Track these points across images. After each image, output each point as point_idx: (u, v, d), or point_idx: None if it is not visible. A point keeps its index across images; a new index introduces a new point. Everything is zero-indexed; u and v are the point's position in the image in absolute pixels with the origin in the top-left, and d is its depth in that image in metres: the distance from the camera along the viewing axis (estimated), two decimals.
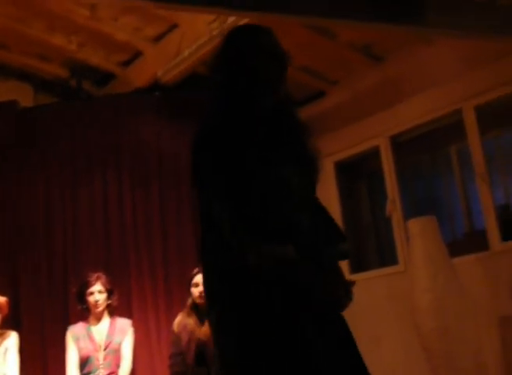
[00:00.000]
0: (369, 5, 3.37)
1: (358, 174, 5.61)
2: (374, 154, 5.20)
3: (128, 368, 3.92)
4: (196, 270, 3.90)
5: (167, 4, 3.35)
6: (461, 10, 3.51)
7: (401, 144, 5.05)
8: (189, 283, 3.89)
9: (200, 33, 4.39)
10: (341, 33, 4.64)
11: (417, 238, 3.86)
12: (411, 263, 4.00)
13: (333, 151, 5.38)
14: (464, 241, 4.79)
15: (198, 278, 3.83)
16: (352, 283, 1.71)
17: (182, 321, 3.88)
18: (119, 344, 3.95)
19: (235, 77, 1.76)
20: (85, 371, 3.86)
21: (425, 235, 3.78)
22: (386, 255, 5.34)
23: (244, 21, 3.62)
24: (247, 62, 1.77)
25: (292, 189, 1.75)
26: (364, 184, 5.61)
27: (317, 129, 5.42)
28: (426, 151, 5.17)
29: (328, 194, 5.46)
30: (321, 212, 1.88)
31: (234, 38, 1.83)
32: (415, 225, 3.89)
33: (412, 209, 5.04)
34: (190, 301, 3.89)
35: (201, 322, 3.78)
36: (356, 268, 5.33)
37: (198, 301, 3.81)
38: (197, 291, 3.82)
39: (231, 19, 3.92)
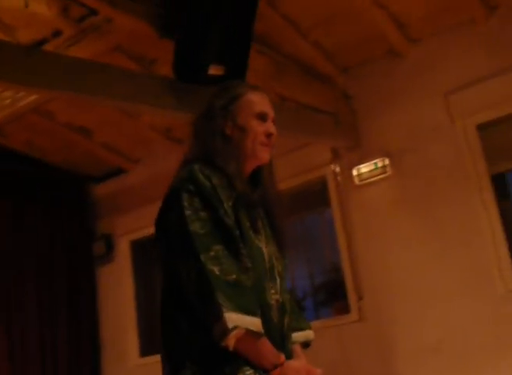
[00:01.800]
0: (171, 96, 3.48)
1: (154, 254, 5.58)
2: None
3: None
4: None
5: None
6: None
7: None
8: None
9: None
10: (143, 114, 4.71)
11: None
12: None
13: (130, 229, 5.32)
14: None
15: None
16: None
17: None
18: None
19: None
20: None
21: None
22: None
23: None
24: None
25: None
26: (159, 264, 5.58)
27: (114, 206, 5.44)
28: None
29: (123, 272, 5.36)
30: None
31: None
32: None
33: None
34: None
35: None
36: (147, 350, 5.21)
37: None
38: None
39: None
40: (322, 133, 4.30)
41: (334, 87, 4.46)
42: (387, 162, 4.15)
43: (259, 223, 1.75)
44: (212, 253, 1.54)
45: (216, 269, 1.52)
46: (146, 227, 5.27)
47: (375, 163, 4.18)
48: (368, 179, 4.22)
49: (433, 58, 4.15)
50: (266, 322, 1.57)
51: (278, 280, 1.73)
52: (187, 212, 1.58)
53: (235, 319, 1.47)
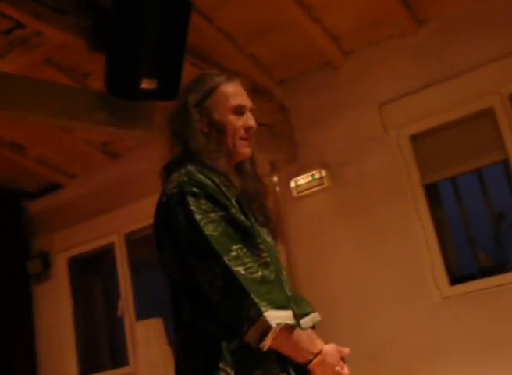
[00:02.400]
0: (105, 111, 3.40)
1: (93, 271, 5.46)
2: (109, 251, 5.12)
3: None
4: None
5: None
6: None
7: (136, 242, 5.06)
8: None
9: None
10: (78, 129, 4.60)
11: (142, 341, 3.82)
12: (137, 367, 3.92)
13: (67, 246, 5.20)
14: None
15: None
16: None
17: None
18: None
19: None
20: None
21: (150, 338, 3.76)
22: (120, 356, 5.18)
23: None
24: None
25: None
26: (99, 282, 5.47)
27: (51, 223, 5.29)
28: None
29: (60, 290, 5.21)
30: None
31: None
32: (141, 327, 3.86)
33: (146, 309, 5.02)
34: None
35: None
36: (87, 369, 5.09)
37: None
38: None
39: None
40: (259, 146, 4.29)
41: (271, 100, 4.47)
42: (324, 173, 4.18)
43: (261, 217, 1.71)
44: (233, 253, 1.49)
45: (241, 269, 1.47)
46: (83, 243, 5.17)
47: (312, 175, 4.20)
48: (305, 191, 4.24)
49: (367, 70, 4.21)
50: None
51: (284, 272, 1.70)
52: (198, 216, 1.52)
53: (274, 316, 1.43)
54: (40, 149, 4.97)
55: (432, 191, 4.03)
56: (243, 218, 1.56)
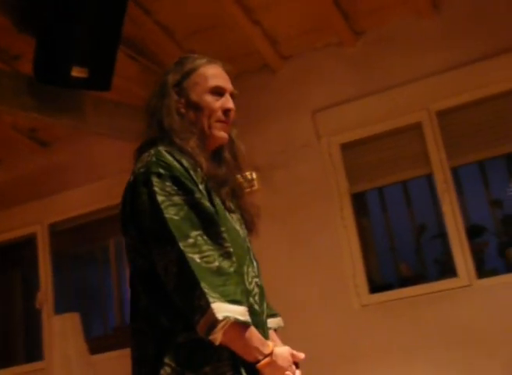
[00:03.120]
0: (32, 97, 3.29)
1: (13, 261, 5.28)
2: (31, 241, 4.96)
3: None
4: None
5: None
6: (118, 114, 3.65)
7: (60, 234, 4.92)
8: None
9: None
10: (4, 113, 4.43)
11: (58, 335, 3.71)
12: (50, 362, 3.81)
13: None
14: (114, 336, 4.77)
15: None
16: None
17: None
18: None
19: None
20: None
21: (66, 333, 3.66)
22: (36, 350, 5.02)
23: None
24: None
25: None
26: (18, 272, 5.28)
27: None
28: (85, 241, 5.12)
29: None
30: None
31: None
32: (57, 322, 3.75)
33: (67, 302, 4.89)
34: None
35: None
36: (1, 363, 4.91)
37: None
38: None
39: None
40: None
41: None
42: (255, 175, 4.18)
43: (230, 203, 1.65)
44: (191, 240, 1.43)
45: (197, 257, 1.41)
46: (4, 232, 4.99)
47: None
48: None
49: (303, 76, 4.24)
50: (248, 308, 1.47)
51: (255, 263, 1.65)
52: (160, 198, 1.47)
53: (223, 309, 1.38)
54: None
55: (359, 200, 4.10)
56: (207, 204, 1.50)
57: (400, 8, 3.93)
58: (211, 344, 1.41)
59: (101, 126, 3.64)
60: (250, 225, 1.73)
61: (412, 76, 3.86)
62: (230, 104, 1.70)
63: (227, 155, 1.73)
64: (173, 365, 1.45)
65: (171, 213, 1.45)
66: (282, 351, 1.52)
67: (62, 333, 3.69)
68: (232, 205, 1.67)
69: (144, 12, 3.78)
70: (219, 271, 1.43)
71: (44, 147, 4.90)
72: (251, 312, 1.50)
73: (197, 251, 1.43)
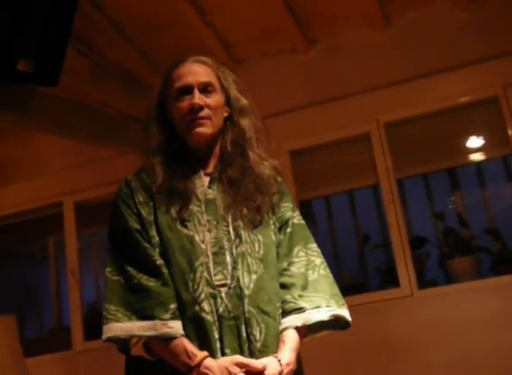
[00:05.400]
0: None
1: None
2: None
3: None
4: None
5: None
6: (64, 111, 3.55)
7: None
8: None
9: None
10: None
11: None
12: None
13: None
14: (50, 338, 4.63)
15: None
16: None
17: None
18: None
19: None
20: None
21: (0, 336, 3.51)
22: None
23: None
24: None
25: None
26: None
27: None
28: (24, 240, 4.97)
29: None
30: None
31: None
32: None
33: (2, 302, 4.71)
34: None
35: None
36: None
37: None
38: None
39: None
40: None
41: None
42: None
43: (193, 209, 1.60)
44: (120, 263, 1.54)
45: (121, 279, 1.52)
46: None
47: None
48: None
49: (256, 81, 4.21)
50: (191, 316, 1.48)
51: (229, 262, 1.56)
52: (111, 222, 1.64)
53: (112, 329, 1.46)
54: None
55: (305, 208, 4.12)
56: (134, 226, 1.57)
57: (353, 20, 3.98)
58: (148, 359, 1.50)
59: (46, 123, 3.52)
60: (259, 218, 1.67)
61: (362, 88, 3.91)
62: (194, 99, 1.63)
63: (231, 151, 1.69)
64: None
65: (110, 240, 1.62)
66: (216, 363, 1.45)
67: None
68: (199, 210, 1.62)
69: (96, 7, 3.69)
70: (137, 288, 1.49)
71: None
72: (194, 320, 1.49)
73: (121, 272, 1.54)
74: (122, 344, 1.49)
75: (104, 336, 1.45)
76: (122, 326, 1.44)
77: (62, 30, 3.05)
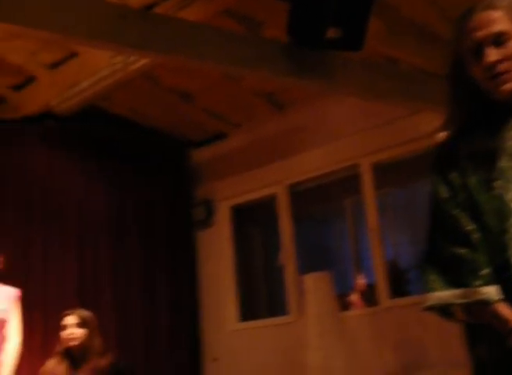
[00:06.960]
0: (283, 59, 3.34)
1: (254, 220, 5.55)
2: (271, 201, 5.16)
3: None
4: (64, 312, 3.63)
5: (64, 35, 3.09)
6: (363, 73, 3.58)
7: (298, 194, 5.05)
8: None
9: (101, 66, 4.18)
10: (245, 78, 4.60)
11: (310, 294, 3.83)
12: (303, 318, 3.96)
13: (230, 195, 5.30)
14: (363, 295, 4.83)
15: (67, 320, 3.55)
16: None
17: (50, 369, 3.52)
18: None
19: None
20: None
21: (319, 292, 3.76)
22: (277, 305, 5.27)
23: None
24: None
25: None
26: (259, 231, 5.55)
27: (214, 172, 5.41)
28: (322, 202, 5.21)
29: (222, 237, 5.36)
30: None
31: None
32: (310, 280, 3.86)
33: (305, 260, 5.03)
34: (59, 346, 3.58)
35: (75, 368, 3.48)
36: (246, 316, 5.23)
37: (69, 344, 3.51)
38: (65, 333, 3.54)
39: (134, 57, 3.77)
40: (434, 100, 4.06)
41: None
42: None
43: (503, 165, 1.48)
44: (431, 233, 1.55)
45: (431, 249, 1.53)
46: (246, 193, 5.25)
47: None
48: None
49: None
50: (505, 280, 1.44)
51: None
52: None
53: (434, 297, 1.49)
54: (207, 99, 5.05)
55: None
56: (444, 195, 1.53)
57: None
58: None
59: (348, 87, 3.59)
60: None
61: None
62: (487, 57, 1.49)
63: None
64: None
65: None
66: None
67: (314, 290, 3.80)
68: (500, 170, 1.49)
69: None
70: (451, 257, 1.48)
71: (280, 110, 5.02)
72: (508, 283, 1.42)
73: (432, 244, 1.53)
74: (443, 310, 1.51)
75: (424, 305, 1.51)
76: (440, 294, 1.48)
77: None
